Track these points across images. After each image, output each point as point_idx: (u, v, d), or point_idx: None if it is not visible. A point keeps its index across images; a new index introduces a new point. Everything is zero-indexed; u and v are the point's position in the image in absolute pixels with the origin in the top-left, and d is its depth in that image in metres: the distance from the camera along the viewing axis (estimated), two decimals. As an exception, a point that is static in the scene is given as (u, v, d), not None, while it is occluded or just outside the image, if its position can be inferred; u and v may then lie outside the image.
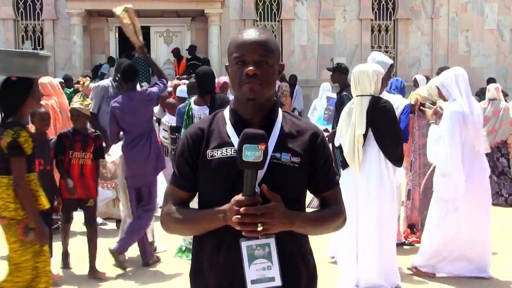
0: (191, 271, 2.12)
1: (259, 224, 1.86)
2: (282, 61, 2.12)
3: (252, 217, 1.85)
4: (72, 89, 11.68)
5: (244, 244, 1.90)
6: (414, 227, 6.39)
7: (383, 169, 4.76)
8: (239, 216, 1.85)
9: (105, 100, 7.09)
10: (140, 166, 5.49)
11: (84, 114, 5.33)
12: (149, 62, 6.29)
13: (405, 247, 6.10)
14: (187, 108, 5.77)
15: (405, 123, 5.38)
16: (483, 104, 8.99)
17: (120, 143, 5.68)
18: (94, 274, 5.23)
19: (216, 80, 6.88)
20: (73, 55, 14.87)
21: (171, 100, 8.08)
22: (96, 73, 14.14)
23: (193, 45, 15.08)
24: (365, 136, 4.75)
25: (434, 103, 6.23)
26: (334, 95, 7.98)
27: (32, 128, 5.19)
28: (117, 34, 15.87)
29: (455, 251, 5.18)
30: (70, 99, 7.89)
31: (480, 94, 12.03)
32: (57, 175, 5.45)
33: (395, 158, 4.74)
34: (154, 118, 6.75)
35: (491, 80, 12.92)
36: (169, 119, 7.34)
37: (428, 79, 9.70)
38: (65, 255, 5.49)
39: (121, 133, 5.62)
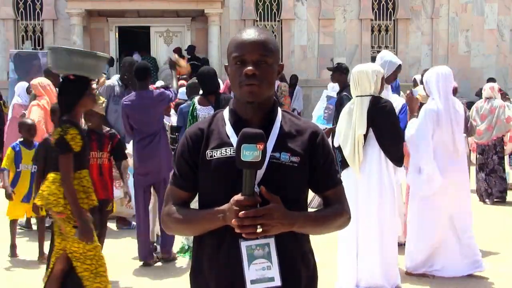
0: (191, 271, 2.12)
1: (258, 226, 1.86)
2: (282, 61, 2.12)
3: (252, 219, 1.85)
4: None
5: (243, 244, 1.90)
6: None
7: (383, 169, 4.76)
8: (238, 218, 1.84)
9: (112, 99, 7.15)
10: (154, 165, 5.53)
11: (98, 113, 5.21)
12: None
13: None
14: (191, 108, 5.79)
15: (404, 122, 5.39)
16: (480, 103, 9.11)
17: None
18: None
19: (223, 82, 6.92)
20: (73, 55, 14.85)
21: None
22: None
23: (192, 45, 15.07)
24: (365, 136, 4.76)
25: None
26: (334, 94, 7.99)
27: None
28: (117, 34, 15.86)
29: (442, 249, 5.20)
30: None
31: (480, 94, 12.05)
32: None
33: (396, 157, 4.74)
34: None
35: (491, 80, 12.92)
36: (168, 119, 7.34)
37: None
38: None
39: None
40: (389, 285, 4.79)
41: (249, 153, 1.85)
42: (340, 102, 6.46)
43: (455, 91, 7.41)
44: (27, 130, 6.12)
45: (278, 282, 1.90)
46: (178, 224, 2.04)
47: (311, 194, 2.12)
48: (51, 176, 3.96)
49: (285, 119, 2.07)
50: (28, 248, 6.25)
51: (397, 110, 5.35)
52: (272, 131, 2.01)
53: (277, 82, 11.72)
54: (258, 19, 15.73)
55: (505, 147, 9.03)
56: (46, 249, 5.74)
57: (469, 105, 11.33)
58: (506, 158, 9.22)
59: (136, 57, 14.01)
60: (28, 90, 8.05)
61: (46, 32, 15.50)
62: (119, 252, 6.05)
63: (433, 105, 5.12)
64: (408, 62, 15.96)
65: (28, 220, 7.11)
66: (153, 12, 15.40)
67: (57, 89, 8.34)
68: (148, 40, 15.67)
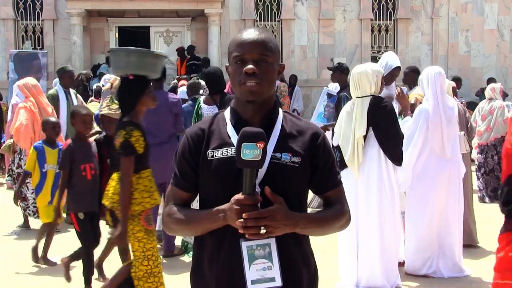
0: (192, 271, 2.12)
1: (262, 227, 1.86)
2: (282, 61, 2.12)
3: (255, 220, 1.84)
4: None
5: (244, 244, 1.90)
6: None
7: (383, 169, 4.76)
8: (242, 220, 1.84)
9: None
10: (166, 163, 5.52)
11: (115, 119, 4.83)
12: None
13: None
14: (196, 107, 5.82)
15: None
16: (482, 103, 9.16)
17: None
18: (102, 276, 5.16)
19: (226, 82, 6.91)
20: (73, 55, 14.86)
21: None
22: (94, 73, 14.12)
23: (192, 45, 15.08)
24: (365, 136, 4.76)
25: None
26: (335, 92, 8.00)
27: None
28: (117, 34, 15.86)
29: (436, 251, 5.22)
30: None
31: (481, 94, 12.06)
32: None
33: (395, 157, 4.75)
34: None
35: (491, 80, 12.94)
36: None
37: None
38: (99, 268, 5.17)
39: None
40: (389, 285, 4.78)
41: (250, 152, 1.85)
42: (339, 101, 6.46)
43: (454, 91, 7.44)
44: (52, 128, 5.69)
45: (279, 282, 1.89)
46: (179, 224, 2.04)
47: (311, 194, 2.12)
48: (116, 176, 3.97)
49: (286, 120, 2.07)
50: (28, 249, 6.24)
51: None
52: (273, 131, 2.01)
53: (277, 82, 11.62)
54: (258, 19, 15.73)
55: None
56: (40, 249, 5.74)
57: (469, 105, 11.34)
58: None
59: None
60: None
61: (46, 32, 15.49)
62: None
63: (426, 105, 5.21)
64: (408, 62, 15.95)
65: (26, 220, 7.10)
66: (153, 12, 15.40)
67: (74, 89, 8.40)
68: (148, 40, 15.66)
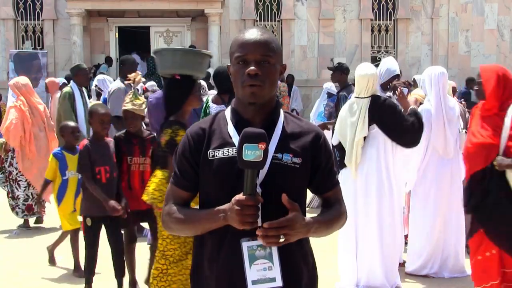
0: (192, 271, 2.11)
1: (281, 235, 1.87)
2: (282, 61, 2.11)
3: (276, 229, 1.85)
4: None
5: (244, 245, 1.90)
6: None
7: (382, 169, 4.76)
8: (262, 229, 1.85)
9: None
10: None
11: (139, 115, 4.67)
12: None
13: (406, 247, 6.09)
14: (204, 106, 5.83)
15: None
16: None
17: None
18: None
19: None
20: (73, 55, 14.86)
21: None
22: (94, 73, 14.13)
23: (192, 45, 15.07)
24: (365, 136, 4.76)
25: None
26: (335, 91, 8.01)
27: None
28: (117, 34, 15.86)
29: (438, 252, 5.22)
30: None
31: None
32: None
33: (407, 142, 4.75)
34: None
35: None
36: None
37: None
38: (133, 284, 4.83)
39: None
40: (388, 284, 4.78)
41: (251, 153, 1.84)
42: (338, 101, 6.46)
43: (454, 91, 7.43)
44: (71, 132, 5.30)
45: (279, 282, 1.89)
46: (179, 224, 2.03)
47: (310, 194, 2.12)
48: (158, 173, 3.94)
49: (287, 120, 2.07)
50: (28, 249, 6.24)
51: None
52: (275, 132, 2.01)
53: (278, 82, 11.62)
54: (258, 19, 15.73)
55: None
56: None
57: (470, 105, 11.33)
58: None
59: (135, 57, 13.99)
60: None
61: (46, 32, 15.49)
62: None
63: (428, 106, 5.19)
64: (408, 62, 15.96)
65: (26, 220, 7.09)
66: (153, 12, 15.40)
67: (85, 88, 8.36)
68: (148, 40, 15.66)
